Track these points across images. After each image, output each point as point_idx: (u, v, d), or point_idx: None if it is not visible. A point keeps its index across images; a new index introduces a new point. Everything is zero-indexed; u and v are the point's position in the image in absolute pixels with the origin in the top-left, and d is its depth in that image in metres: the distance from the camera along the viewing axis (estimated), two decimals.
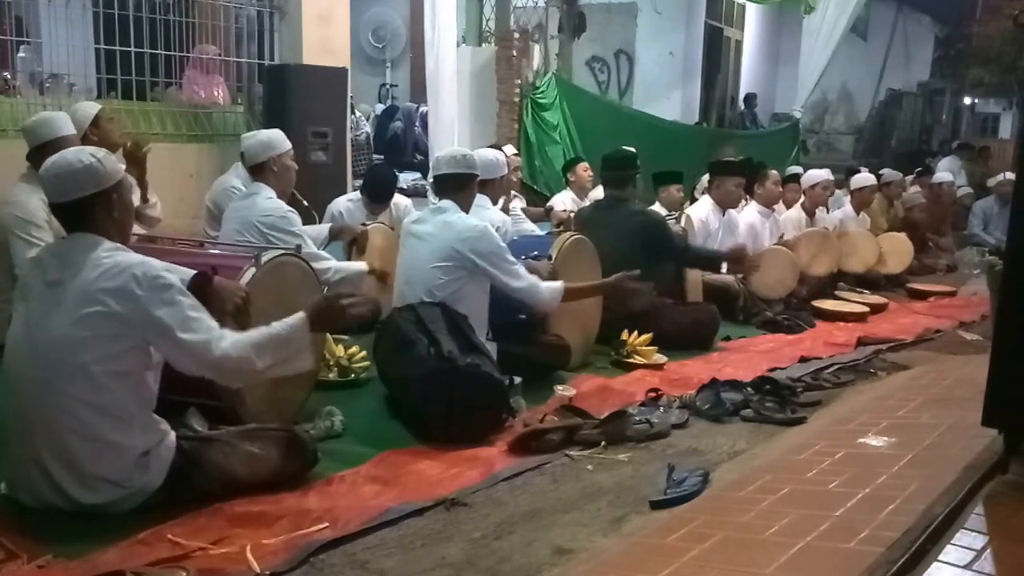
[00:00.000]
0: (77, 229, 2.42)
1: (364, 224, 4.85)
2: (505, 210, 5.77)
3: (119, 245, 2.44)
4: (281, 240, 3.64)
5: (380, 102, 12.07)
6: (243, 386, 2.83)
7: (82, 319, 2.31)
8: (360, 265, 4.41)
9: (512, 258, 3.69)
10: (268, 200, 3.92)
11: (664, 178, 5.97)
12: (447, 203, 3.77)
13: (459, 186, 3.79)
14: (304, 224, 4.13)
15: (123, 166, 3.96)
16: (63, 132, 3.62)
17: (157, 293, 2.34)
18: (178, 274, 2.61)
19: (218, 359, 2.40)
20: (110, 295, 2.31)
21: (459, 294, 3.62)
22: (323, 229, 4.61)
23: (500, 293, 3.71)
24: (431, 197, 6.80)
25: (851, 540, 2.00)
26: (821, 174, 6.77)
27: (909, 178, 9.22)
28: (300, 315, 2.58)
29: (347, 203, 5.18)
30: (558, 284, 3.78)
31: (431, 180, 4.07)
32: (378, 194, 5.13)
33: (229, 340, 2.42)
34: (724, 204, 5.81)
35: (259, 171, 4.01)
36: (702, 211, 5.75)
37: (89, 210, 2.40)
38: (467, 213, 3.81)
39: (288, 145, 4.07)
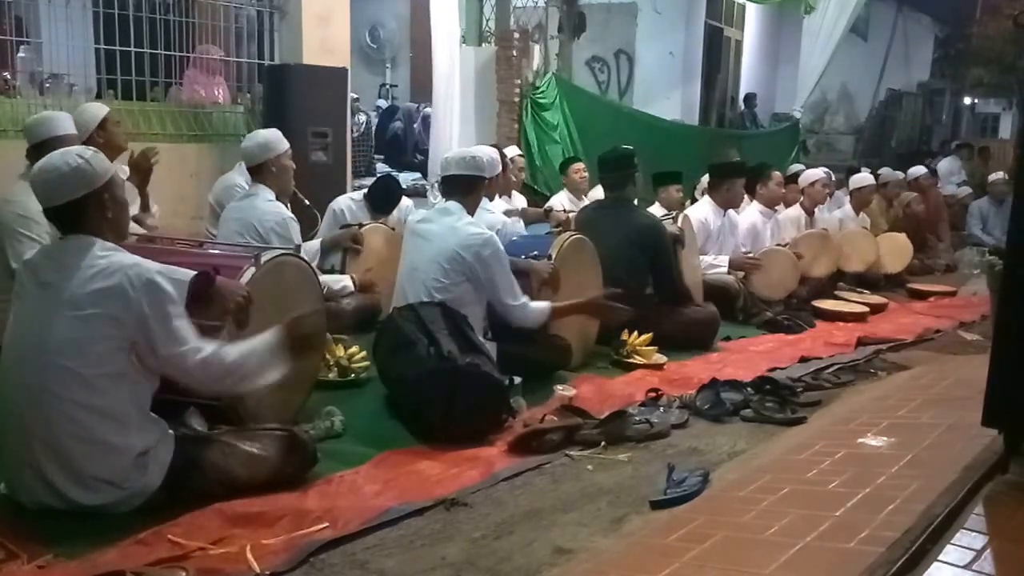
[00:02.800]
0: (72, 231, 2.41)
1: (361, 224, 4.85)
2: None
3: (114, 246, 2.43)
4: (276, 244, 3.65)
5: (381, 99, 12.07)
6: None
7: (76, 321, 2.30)
8: (344, 280, 4.45)
9: (511, 273, 3.70)
10: (268, 203, 3.95)
11: (663, 178, 5.97)
12: (453, 205, 3.76)
13: (467, 188, 3.79)
14: (305, 225, 4.15)
15: (126, 171, 4.01)
16: (61, 131, 3.61)
17: (149, 296, 2.34)
18: (178, 275, 2.61)
19: (194, 366, 2.41)
20: (103, 296, 2.31)
21: (459, 297, 3.63)
22: (314, 245, 4.59)
23: None
24: (431, 197, 6.82)
25: (851, 540, 2.00)
26: (818, 172, 6.79)
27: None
28: (273, 337, 2.61)
29: (349, 202, 5.17)
30: (545, 305, 3.81)
31: (439, 180, 4.07)
32: (382, 204, 5.13)
33: (209, 351, 2.44)
34: (730, 205, 5.82)
35: (258, 172, 4.05)
36: (701, 212, 5.75)
37: (82, 212, 2.39)
38: (473, 215, 3.82)
39: (285, 144, 4.09)
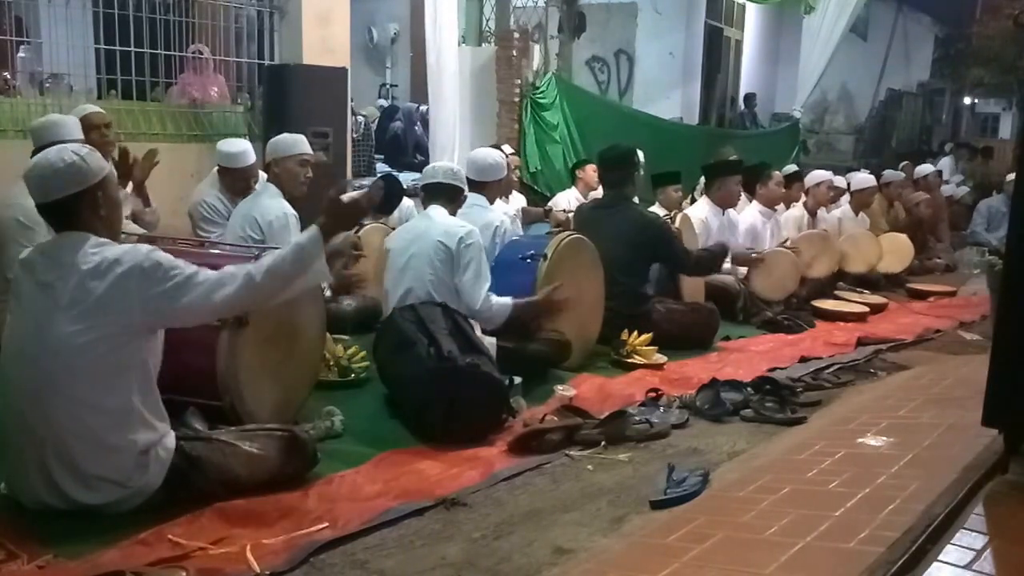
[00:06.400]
0: (65, 228, 2.41)
1: (362, 225, 4.84)
2: None
3: (107, 240, 2.42)
4: (276, 241, 3.70)
5: (381, 98, 12.07)
6: (244, 385, 2.84)
7: (76, 319, 2.30)
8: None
9: (487, 267, 3.76)
10: (271, 199, 4.13)
11: (662, 179, 5.96)
12: (433, 210, 3.90)
13: (451, 197, 3.94)
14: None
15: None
16: (65, 137, 3.59)
17: (147, 276, 2.34)
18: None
19: (219, 304, 2.42)
20: (102, 291, 2.31)
21: (454, 291, 3.69)
22: None
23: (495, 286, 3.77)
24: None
25: (851, 540, 2.00)
26: (825, 174, 6.79)
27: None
28: (312, 228, 2.57)
29: None
30: (507, 300, 3.79)
31: (421, 188, 4.13)
32: (383, 204, 5.13)
33: (225, 281, 2.43)
34: (725, 204, 5.81)
35: (267, 171, 4.33)
36: (701, 212, 5.74)
37: (74, 209, 2.38)
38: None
39: (294, 151, 4.22)
